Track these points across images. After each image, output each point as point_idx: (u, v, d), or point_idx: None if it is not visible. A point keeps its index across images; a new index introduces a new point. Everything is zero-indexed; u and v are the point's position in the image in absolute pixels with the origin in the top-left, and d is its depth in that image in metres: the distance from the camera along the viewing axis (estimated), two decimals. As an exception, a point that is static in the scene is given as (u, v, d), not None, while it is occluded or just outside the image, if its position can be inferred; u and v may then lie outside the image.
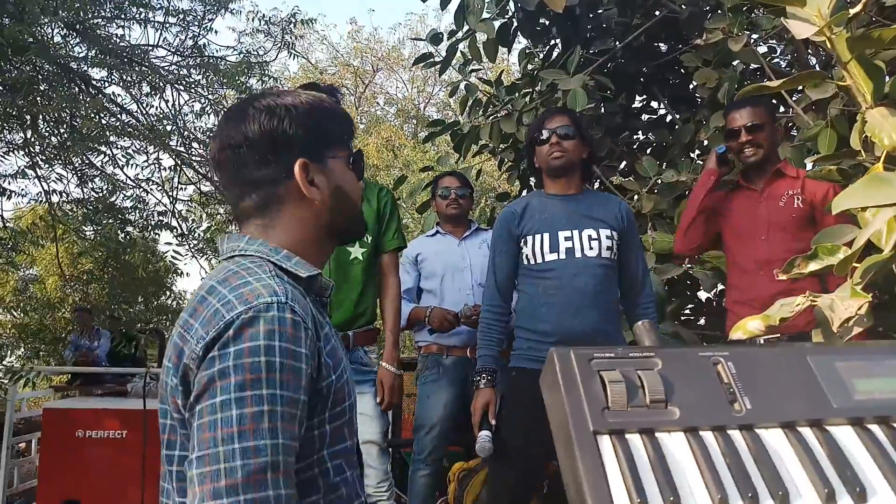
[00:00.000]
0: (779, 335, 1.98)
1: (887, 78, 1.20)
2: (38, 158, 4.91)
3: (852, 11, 1.14)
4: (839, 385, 0.69)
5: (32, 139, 4.60)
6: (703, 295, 3.55)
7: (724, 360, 0.69)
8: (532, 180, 3.55)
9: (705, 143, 3.21)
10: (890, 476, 0.62)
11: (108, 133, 4.81)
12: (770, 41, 3.39)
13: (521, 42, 3.89)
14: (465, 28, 3.18)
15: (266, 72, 5.29)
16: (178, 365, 0.88)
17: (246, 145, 0.98)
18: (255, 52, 5.52)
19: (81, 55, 4.99)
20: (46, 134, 4.68)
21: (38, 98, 4.45)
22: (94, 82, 5.21)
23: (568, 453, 0.62)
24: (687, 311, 3.61)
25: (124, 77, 5.07)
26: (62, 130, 4.73)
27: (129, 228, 5.39)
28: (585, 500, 0.58)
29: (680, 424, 0.64)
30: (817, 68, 3.10)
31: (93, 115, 4.71)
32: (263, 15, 5.57)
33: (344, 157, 1.03)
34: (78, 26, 4.82)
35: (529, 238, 2.23)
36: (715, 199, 2.41)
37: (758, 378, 0.68)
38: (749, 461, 0.62)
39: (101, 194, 5.24)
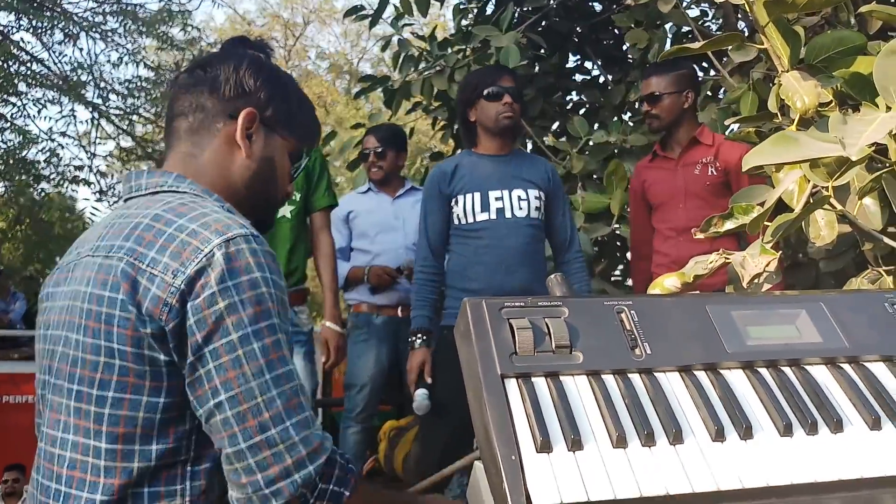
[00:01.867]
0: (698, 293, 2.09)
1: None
2: (-62, 107, 4.57)
3: (772, -23, 1.17)
4: (734, 331, 0.74)
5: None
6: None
7: (627, 308, 0.72)
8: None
9: (636, 104, 3.27)
10: (773, 414, 0.67)
11: (16, 82, 4.49)
12: (702, 4, 3.45)
13: (456, -3, 3.83)
14: (397, -20, 3.11)
15: (189, 21, 5.02)
16: (135, 296, 0.82)
17: (215, 73, 0.99)
18: (177, 1, 5.23)
19: (-15, -3, 4.62)
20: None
21: (-63, 42, 4.12)
22: (-1, 27, 4.85)
23: (476, 397, 0.64)
24: (616, 273, 3.72)
25: (34, 23, 4.73)
26: (-35, 78, 4.41)
27: (44, 184, 5.10)
28: (492, 440, 0.60)
29: (583, 368, 0.67)
30: (745, 33, 3.19)
31: (-1, 63, 4.40)
32: (187, -40, 5.26)
33: (290, 144, 1.04)
34: (-20, -36, 4.45)
35: (460, 197, 2.25)
36: (638, 175, 2.47)
37: (659, 325, 0.72)
38: (647, 402, 0.66)
39: (11, 147, 4.92)
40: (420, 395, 2.20)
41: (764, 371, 0.72)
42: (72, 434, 0.86)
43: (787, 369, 0.72)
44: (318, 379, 2.51)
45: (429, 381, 2.22)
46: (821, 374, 0.72)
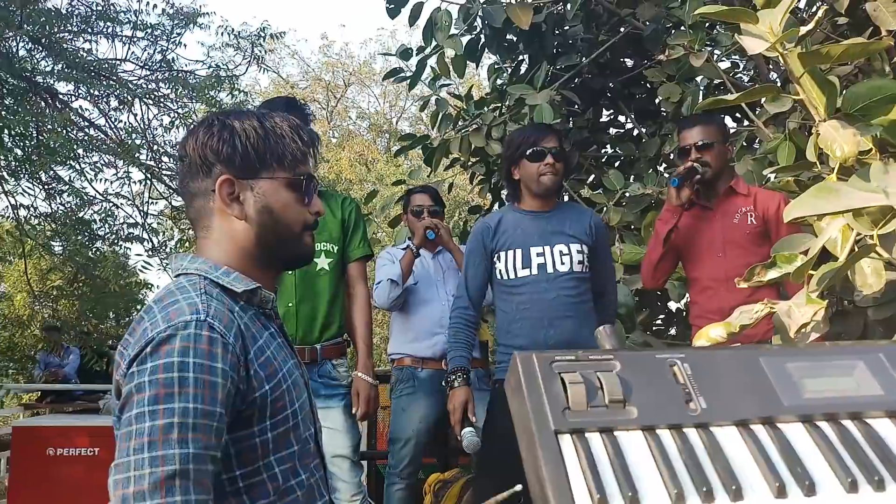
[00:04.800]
0: (741, 343, 1.98)
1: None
2: (3, 172, 4.82)
3: (804, 29, 1.19)
4: (790, 384, 0.73)
5: (-3, 153, 4.53)
6: (673, 305, 3.61)
7: (680, 361, 0.72)
8: (504, 193, 3.58)
9: (671, 156, 3.28)
10: (837, 470, 0.65)
11: (75, 147, 4.73)
12: (733, 56, 3.48)
13: (490, 58, 3.95)
14: (434, 44, 3.22)
15: (236, 86, 5.25)
16: (115, 380, 0.96)
17: (188, 158, 1.05)
18: (225, 67, 5.48)
19: (47, 69, 4.92)
20: (11, 147, 4.60)
21: (3, 112, 4.38)
22: (60, 96, 5.14)
23: (531, 453, 0.64)
24: (658, 322, 3.67)
25: (91, 91, 5.00)
26: (28, 144, 4.66)
27: (99, 243, 5.30)
28: (548, 497, 0.60)
29: (638, 423, 0.67)
30: (778, 83, 3.20)
31: (59, 129, 4.64)
32: (233, 29, 5.55)
33: (282, 179, 1.05)
34: (44, 40, 4.76)
35: (503, 254, 2.28)
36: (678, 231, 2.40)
37: (712, 378, 0.71)
38: (704, 458, 0.65)
39: (69, 209, 5.15)
40: (468, 433, 2.18)
41: (824, 425, 0.70)
42: None
43: (847, 423, 0.71)
44: (360, 432, 2.48)
45: (473, 419, 2.20)
46: (884, 427, 0.70)
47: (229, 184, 1.03)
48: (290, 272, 2.29)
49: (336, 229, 2.41)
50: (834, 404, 0.72)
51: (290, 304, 2.30)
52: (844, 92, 1.25)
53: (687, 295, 3.06)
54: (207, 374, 0.90)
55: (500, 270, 2.28)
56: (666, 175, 3.24)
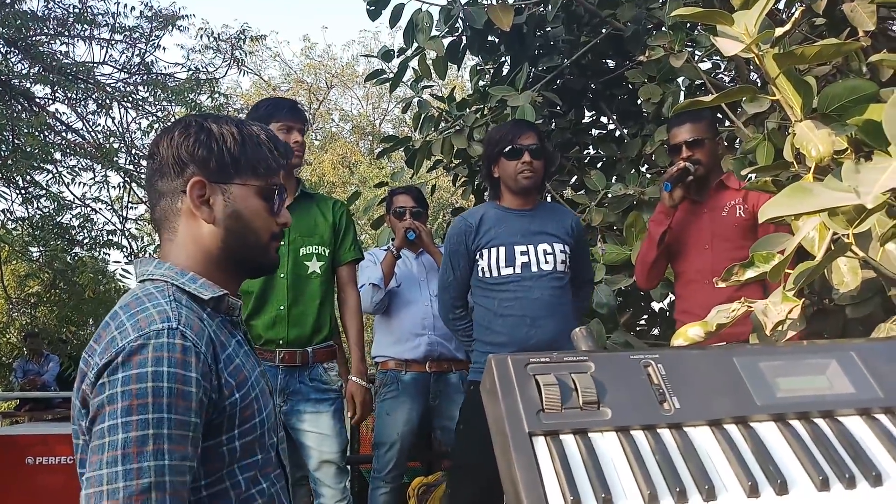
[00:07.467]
0: (725, 343, 1.95)
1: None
2: (-23, 177, 4.77)
3: (780, 30, 1.20)
4: (763, 384, 0.73)
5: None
6: (655, 305, 3.63)
7: (654, 362, 0.72)
8: (486, 193, 3.58)
9: (653, 156, 3.30)
10: (809, 468, 0.66)
11: (52, 151, 4.68)
12: (714, 57, 3.51)
13: (472, 59, 3.95)
14: (415, 45, 3.21)
15: (216, 88, 5.22)
16: (80, 388, 0.93)
17: (159, 156, 1.04)
18: (205, 69, 5.45)
19: (23, 72, 4.86)
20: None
21: (-23, 116, 4.32)
22: (37, 99, 5.08)
23: (505, 455, 0.64)
24: (641, 323, 3.68)
25: (69, 94, 4.95)
26: (3, 149, 4.60)
27: (77, 249, 5.24)
28: (521, 500, 0.60)
29: (612, 424, 0.67)
30: (758, 83, 3.23)
31: (36, 133, 4.58)
32: (213, 31, 5.52)
33: (254, 187, 1.05)
34: (20, 43, 4.71)
35: (485, 251, 2.26)
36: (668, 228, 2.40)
37: (686, 379, 0.72)
38: (678, 458, 0.65)
39: (46, 213, 5.09)
40: None
41: (796, 423, 0.71)
42: None
43: (819, 421, 0.71)
44: (347, 437, 2.47)
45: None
46: (855, 425, 0.71)
47: (201, 186, 1.02)
48: (281, 275, 2.29)
49: (327, 233, 2.40)
50: (806, 403, 0.72)
51: (281, 308, 2.28)
52: (821, 92, 1.26)
53: (670, 294, 3.08)
54: (181, 384, 0.89)
55: (481, 268, 2.27)
56: (647, 175, 3.26)
